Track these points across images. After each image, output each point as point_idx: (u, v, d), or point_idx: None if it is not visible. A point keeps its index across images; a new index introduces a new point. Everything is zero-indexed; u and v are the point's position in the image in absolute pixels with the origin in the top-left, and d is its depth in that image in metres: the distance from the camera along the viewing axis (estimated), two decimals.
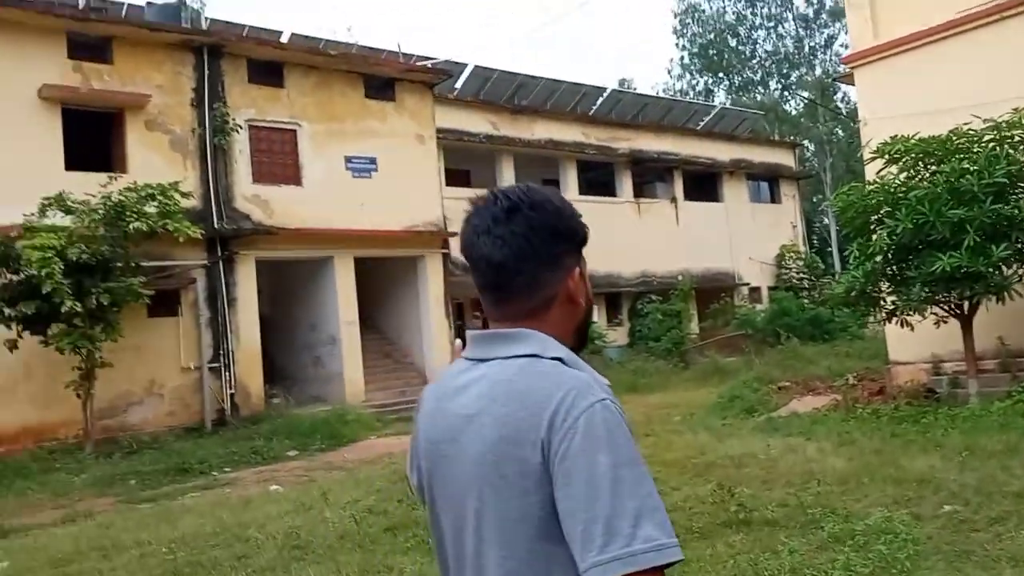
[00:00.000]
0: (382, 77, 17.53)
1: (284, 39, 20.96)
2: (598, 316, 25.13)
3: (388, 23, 70.64)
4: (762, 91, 41.85)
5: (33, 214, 11.56)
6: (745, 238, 29.30)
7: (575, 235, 1.38)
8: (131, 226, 11.37)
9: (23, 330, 11.55)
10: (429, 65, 18.84)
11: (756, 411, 12.45)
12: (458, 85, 26.03)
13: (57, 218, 11.68)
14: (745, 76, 42.43)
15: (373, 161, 17.11)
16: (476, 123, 24.29)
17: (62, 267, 10.61)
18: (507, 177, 24.93)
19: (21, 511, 9.38)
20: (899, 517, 5.52)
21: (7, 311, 11.20)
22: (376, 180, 17.12)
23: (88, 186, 12.27)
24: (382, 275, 18.56)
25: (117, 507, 9.20)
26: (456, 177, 25.34)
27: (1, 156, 12.73)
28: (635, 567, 1.12)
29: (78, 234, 11.27)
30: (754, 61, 42.17)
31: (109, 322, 11.78)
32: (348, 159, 16.76)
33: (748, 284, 29.51)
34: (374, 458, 11.13)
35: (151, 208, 11.83)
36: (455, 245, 21.35)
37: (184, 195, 12.57)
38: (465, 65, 25.67)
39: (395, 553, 6.05)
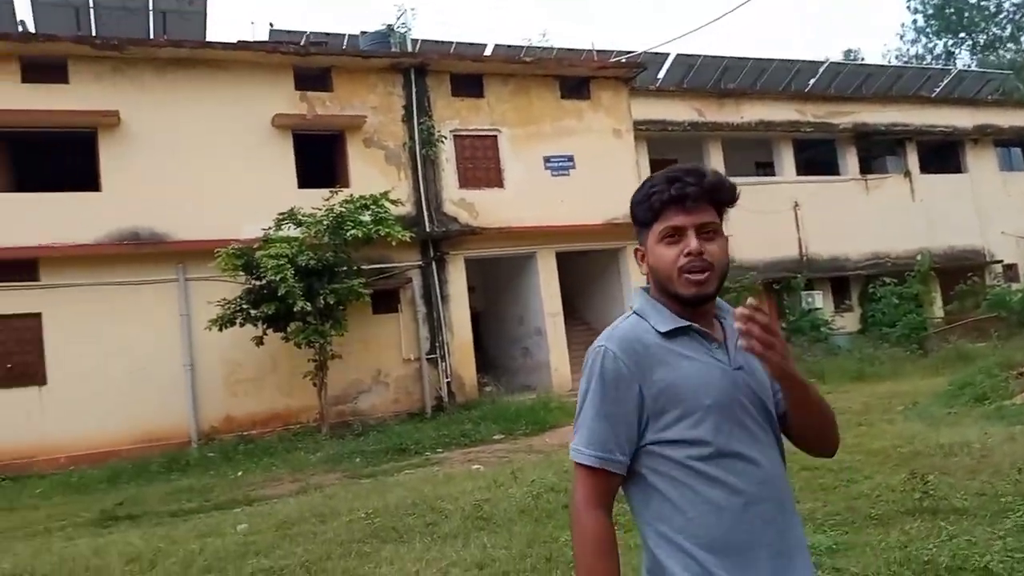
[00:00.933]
0: (577, 77, 17.97)
1: (488, 51, 22.19)
2: (822, 302, 23.88)
3: (584, 24, 71.30)
4: (1013, 48, 37.34)
5: (270, 228, 13.26)
6: (996, 211, 26.51)
7: (634, 219, 1.82)
8: (349, 233, 12.73)
9: (267, 328, 13.29)
10: (623, 60, 18.98)
11: (987, 399, 11.40)
12: (661, 75, 25.95)
13: (290, 230, 13.31)
14: (991, 34, 38.08)
15: (571, 159, 17.62)
16: (680, 111, 24.09)
17: (293, 272, 12.13)
18: (715, 163, 24.41)
19: (266, 484, 10.87)
20: None
21: (253, 312, 12.95)
22: (574, 176, 17.61)
23: (316, 201, 13.87)
24: (586, 267, 19.04)
25: (342, 481, 10.36)
26: (663, 167, 25.26)
27: (245, 180, 14.78)
28: (571, 456, 1.77)
29: (306, 243, 12.80)
30: (1000, 16, 37.75)
31: (336, 319, 13.24)
32: (547, 159, 17.41)
33: (1001, 261, 26.60)
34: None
35: (366, 216, 13.15)
36: None
37: (394, 203, 13.81)
38: (666, 55, 25.50)
39: (563, 527, 6.40)
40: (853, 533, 5.61)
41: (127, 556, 6.70)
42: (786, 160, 25.65)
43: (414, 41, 18.79)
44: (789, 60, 27.14)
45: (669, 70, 25.84)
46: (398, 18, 18.09)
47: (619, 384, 1.69)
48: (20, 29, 15.81)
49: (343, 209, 13.21)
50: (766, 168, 26.55)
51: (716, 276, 1.73)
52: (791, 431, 1.85)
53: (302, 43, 16.84)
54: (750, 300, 1.67)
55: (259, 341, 13.37)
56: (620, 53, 22.91)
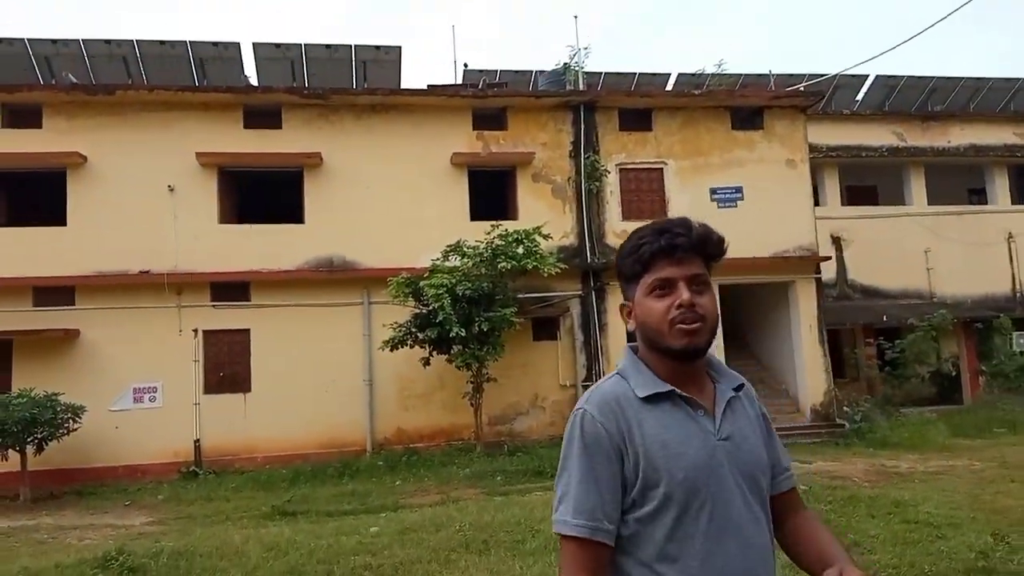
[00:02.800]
0: (749, 107, 17.87)
1: (671, 82, 22.51)
2: None
3: (771, 48, 68.12)
4: None
5: (438, 259, 14.55)
6: None
7: (620, 274, 1.81)
8: (500, 265, 13.69)
9: (432, 350, 14.55)
10: (802, 88, 18.57)
11: None
12: (860, 97, 24.86)
13: (456, 261, 14.52)
14: None
15: (739, 190, 17.54)
16: (878, 135, 23.06)
17: (450, 300, 13.29)
18: (916, 190, 23.08)
19: (415, 493, 12.03)
20: None
21: (420, 335, 14.26)
22: (742, 208, 17.49)
23: (485, 233, 14.96)
24: (756, 301, 18.78)
25: (478, 497, 11.26)
26: (860, 194, 24.19)
27: (424, 213, 16.25)
28: (555, 529, 1.65)
29: (466, 273, 13.92)
30: None
31: (492, 344, 14.23)
32: (713, 190, 17.47)
33: None
34: None
35: (520, 249, 14.06)
36: (827, 268, 20.64)
37: (545, 237, 14.64)
38: (865, 77, 24.43)
39: None
40: None
41: (269, 545, 7.96)
42: (999, 187, 23.64)
43: (587, 74, 19.51)
44: (1008, 79, 24.88)
45: (868, 92, 24.72)
46: (571, 57, 18.80)
47: (600, 446, 1.63)
48: (244, 82, 18.40)
49: (500, 242, 14.21)
50: (979, 195, 24.54)
51: (708, 329, 1.69)
52: (786, 541, 1.84)
53: (482, 85, 18.14)
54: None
55: (426, 362, 14.67)
56: (812, 77, 22.34)
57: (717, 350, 16.73)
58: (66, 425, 13.31)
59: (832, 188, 22.83)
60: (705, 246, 1.73)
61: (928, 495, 9.37)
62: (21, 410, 12.54)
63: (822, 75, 22.60)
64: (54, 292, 15.22)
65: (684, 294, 1.67)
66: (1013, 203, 23.50)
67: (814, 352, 17.36)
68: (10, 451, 12.87)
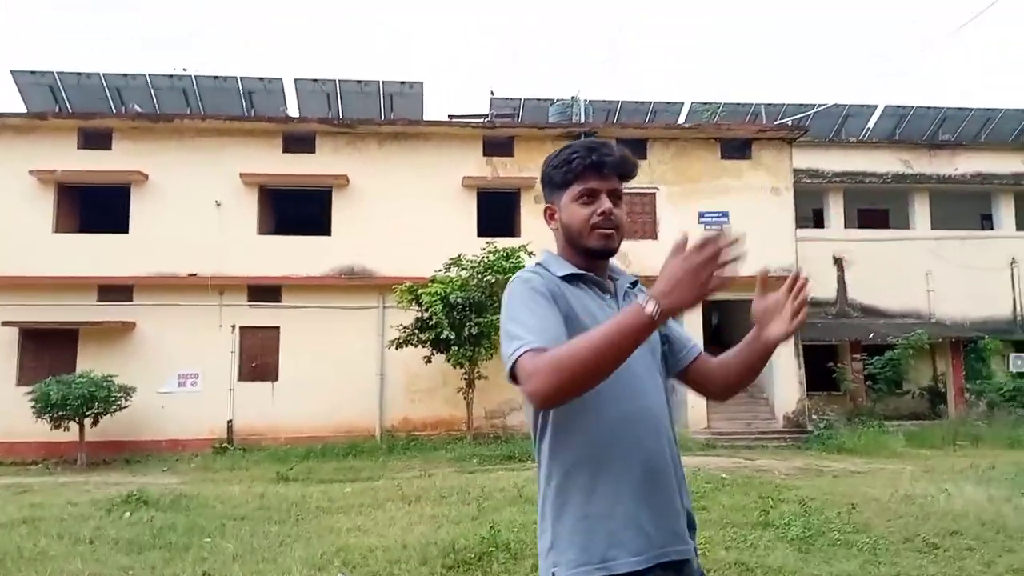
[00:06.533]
0: (737, 139, 19.43)
1: (683, 113, 24.12)
2: None
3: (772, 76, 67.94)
4: None
5: (440, 269, 16.57)
6: None
7: (548, 181, 1.97)
8: (485, 279, 15.63)
9: (434, 351, 16.55)
10: (789, 123, 20.03)
11: None
12: (870, 124, 26.00)
13: (456, 272, 16.49)
14: None
15: (725, 215, 19.11)
16: (885, 163, 24.26)
17: (442, 307, 15.29)
18: (920, 215, 24.19)
19: (402, 469, 14.00)
20: None
21: (422, 336, 16.28)
22: (727, 231, 19.00)
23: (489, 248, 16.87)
24: (742, 315, 20.20)
25: (448, 474, 13.16)
26: (871, 217, 25.34)
27: (435, 229, 18.31)
28: (513, 360, 1.67)
29: (462, 283, 15.89)
30: None
31: (484, 347, 16.14)
32: (701, 214, 19.08)
33: None
34: None
35: (507, 263, 15.96)
36: (827, 287, 21.88)
37: (531, 254, 16.48)
38: (875, 107, 25.56)
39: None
40: None
41: (256, 495, 10.07)
42: (1005, 214, 24.50)
43: (589, 102, 21.36)
44: (1020, 109, 25.64)
45: (879, 121, 25.83)
46: (572, 97, 20.72)
47: (544, 293, 1.78)
48: (285, 112, 20.85)
49: (492, 257, 16.14)
50: (990, 221, 25.34)
51: (620, 236, 1.91)
52: (704, 379, 2.05)
53: (491, 117, 20.19)
54: (803, 274, 1.89)
55: (428, 360, 16.71)
56: (799, 107, 23.71)
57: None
58: (119, 403, 15.82)
59: (836, 211, 24.09)
60: (624, 167, 1.93)
61: (821, 486, 10.88)
62: (81, 388, 15.06)
63: (809, 105, 23.92)
64: (115, 290, 17.87)
65: (605, 204, 1.88)
66: (1018, 229, 24.26)
67: (789, 365, 18.76)
68: (71, 423, 15.40)
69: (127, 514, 8.54)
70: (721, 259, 1.61)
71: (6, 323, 17.15)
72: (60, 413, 15.11)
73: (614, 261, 2.02)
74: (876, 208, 25.88)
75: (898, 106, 25.60)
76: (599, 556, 1.73)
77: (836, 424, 18.02)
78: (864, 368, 20.96)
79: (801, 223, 24.36)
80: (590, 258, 1.92)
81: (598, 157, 1.89)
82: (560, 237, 1.97)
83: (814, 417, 18.52)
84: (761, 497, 9.23)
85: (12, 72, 20.61)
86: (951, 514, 7.90)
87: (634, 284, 2.04)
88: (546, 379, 1.60)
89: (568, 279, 1.88)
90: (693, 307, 1.63)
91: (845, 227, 24.20)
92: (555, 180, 1.95)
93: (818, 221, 24.46)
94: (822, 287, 23.03)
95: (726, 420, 18.61)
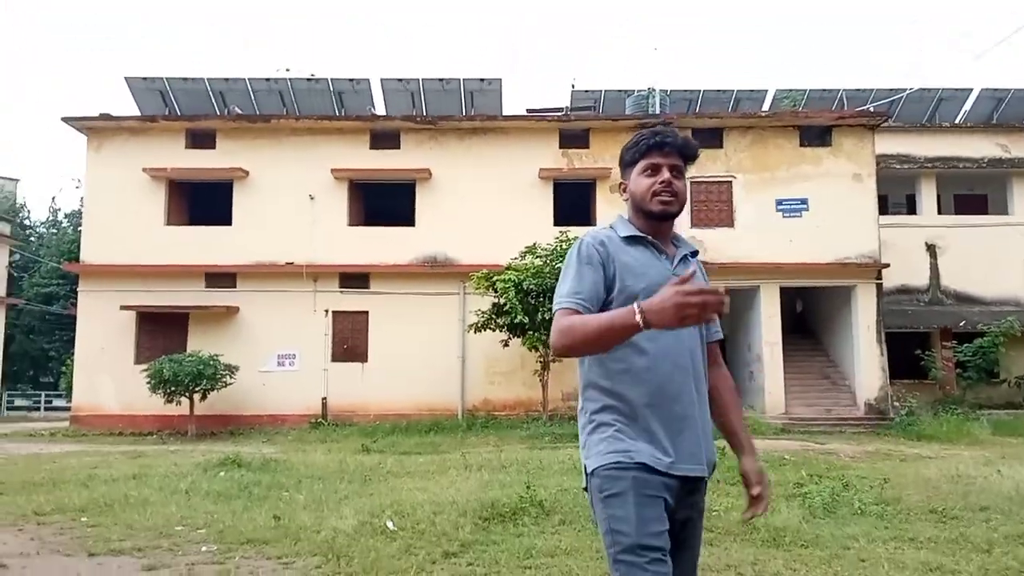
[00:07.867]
0: (817, 126, 19.33)
1: (767, 101, 24.02)
2: None
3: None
4: None
5: (516, 258, 17.29)
6: None
7: (623, 161, 2.33)
8: (557, 266, 16.22)
9: (510, 335, 17.30)
10: (872, 108, 19.75)
11: None
12: (966, 108, 25.18)
13: (531, 260, 17.17)
14: None
15: (804, 202, 19.08)
16: (979, 147, 23.53)
17: (515, 293, 16.00)
18: (1019, 201, 23.43)
19: (476, 445, 14.79)
20: None
21: (498, 321, 17.05)
22: (807, 217, 19.03)
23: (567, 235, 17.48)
24: (826, 303, 20.19)
25: (519, 450, 13.86)
26: (968, 203, 24.62)
27: (513, 218, 19.06)
28: (553, 310, 2.13)
29: (533, 271, 16.55)
30: None
31: None
32: (779, 201, 19.11)
33: None
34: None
35: None
36: (919, 274, 21.49)
37: None
38: (969, 90, 24.75)
39: None
40: None
41: (336, 461, 11.08)
42: None
43: (668, 92, 21.59)
44: None
45: (975, 105, 25.00)
46: (649, 88, 21.03)
47: (592, 260, 2.15)
48: (372, 111, 21.99)
49: (565, 246, 16.72)
50: None
51: (679, 203, 2.23)
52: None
53: (566, 111, 20.73)
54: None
55: (505, 343, 17.50)
56: (905, 91, 23.18)
57: (772, 347, 18.40)
58: (224, 380, 17.30)
59: (929, 197, 23.53)
60: (685, 148, 2.25)
61: (880, 468, 11.03)
62: (191, 366, 16.58)
63: (900, 90, 23.41)
64: (221, 277, 19.44)
65: (665, 175, 2.21)
66: None
67: (871, 351, 18.61)
68: (182, 397, 16.95)
69: (221, 473, 9.65)
70: (706, 304, 1.80)
71: (124, 307, 18.96)
72: (172, 388, 16.68)
73: (682, 233, 2.40)
74: (973, 193, 25.10)
75: (995, 89, 24.73)
76: (623, 449, 2.09)
77: (919, 411, 17.78)
78: (954, 356, 20.50)
79: (894, 209, 23.98)
80: (653, 220, 2.25)
81: (660, 138, 2.23)
82: (630, 205, 2.32)
83: (895, 404, 18.32)
84: (809, 475, 9.53)
85: (126, 79, 22.57)
86: (991, 492, 8.08)
87: (695, 254, 2.35)
88: (559, 338, 2.04)
89: (629, 240, 2.23)
90: (674, 328, 1.92)
91: (941, 213, 23.64)
92: (626, 159, 2.32)
93: (912, 207, 23.96)
94: (913, 274, 22.60)
95: (804, 406, 18.64)
